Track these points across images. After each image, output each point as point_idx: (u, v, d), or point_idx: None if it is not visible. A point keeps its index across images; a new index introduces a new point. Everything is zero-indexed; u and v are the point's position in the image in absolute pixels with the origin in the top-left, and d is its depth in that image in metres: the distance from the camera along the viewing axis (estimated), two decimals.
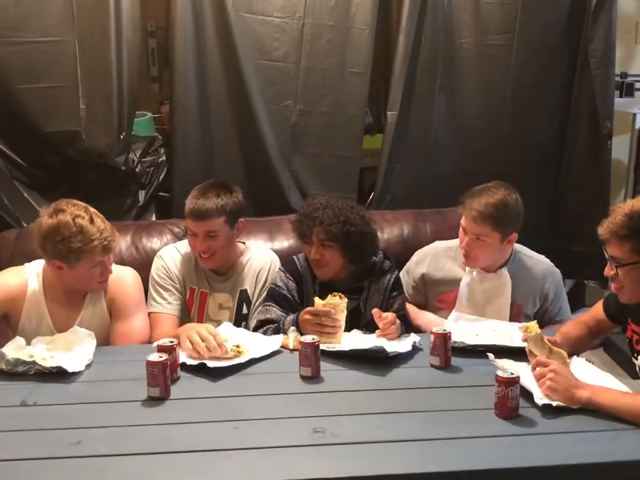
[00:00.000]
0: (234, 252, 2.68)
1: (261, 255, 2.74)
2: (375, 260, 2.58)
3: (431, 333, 2.15)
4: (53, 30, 3.17)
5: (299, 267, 2.60)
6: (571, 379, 1.86)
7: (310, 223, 2.47)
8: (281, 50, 3.37)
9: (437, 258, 2.71)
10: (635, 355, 2.06)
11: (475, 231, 2.48)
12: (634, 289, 1.96)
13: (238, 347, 2.20)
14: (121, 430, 1.78)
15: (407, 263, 2.77)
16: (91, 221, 2.24)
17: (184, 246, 2.70)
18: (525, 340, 2.05)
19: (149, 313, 2.55)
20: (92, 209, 2.30)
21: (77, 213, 2.24)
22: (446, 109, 3.59)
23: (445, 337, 2.13)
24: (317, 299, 2.34)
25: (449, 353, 2.14)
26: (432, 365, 2.15)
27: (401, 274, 2.71)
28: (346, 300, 2.31)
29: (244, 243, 2.78)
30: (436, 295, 2.67)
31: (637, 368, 2.09)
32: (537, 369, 1.91)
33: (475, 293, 2.58)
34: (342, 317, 2.30)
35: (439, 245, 2.77)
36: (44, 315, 2.37)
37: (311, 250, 2.49)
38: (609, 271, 1.99)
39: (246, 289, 2.66)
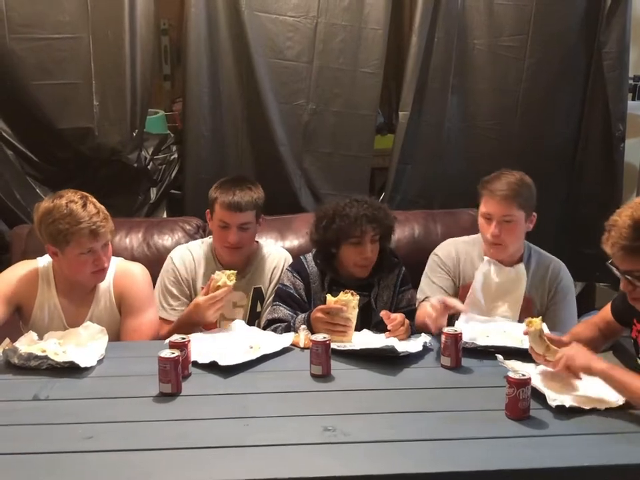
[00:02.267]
0: (252, 247, 2.71)
1: (274, 253, 2.76)
2: (383, 255, 2.58)
3: (442, 333, 2.15)
4: (68, 27, 3.20)
5: (307, 266, 2.60)
6: (588, 354, 1.90)
7: (363, 222, 2.43)
8: (294, 49, 3.38)
9: (461, 250, 2.69)
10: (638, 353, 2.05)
11: (503, 212, 2.48)
12: None
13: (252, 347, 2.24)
14: (132, 425, 1.79)
15: (434, 251, 2.73)
16: (84, 205, 2.26)
17: (196, 246, 2.71)
18: (525, 333, 2.05)
19: None
20: (91, 198, 2.31)
21: (72, 198, 2.27)
22: (458, 109, 3.59)
23: (456, 338, 2.13)
24: (329, 296, 2.34)
25: (459, 353, 2.14)
26: (443, 366, 2.15)
27: (430, 257, 2.71)
28: (357, 297, 2.31)
29: (257, 241, 2.79)
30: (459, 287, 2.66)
31: None
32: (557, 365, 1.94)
33: (490, 284, 2.58)
34: (354, 314, 2.30)
35: (458, 239, 2.76)
36: (56, 308, 2.38)
37: (360, 251, 2.45)
38: (626, 286, 1.91)
39: (260, 287, 2.68)
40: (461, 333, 2.15)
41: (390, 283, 2.59)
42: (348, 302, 2.28)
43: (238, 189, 2.56)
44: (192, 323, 2.41)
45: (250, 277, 2.69)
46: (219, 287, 2.35)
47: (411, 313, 2.47)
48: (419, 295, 2.65)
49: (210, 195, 2.62)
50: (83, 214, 2.25)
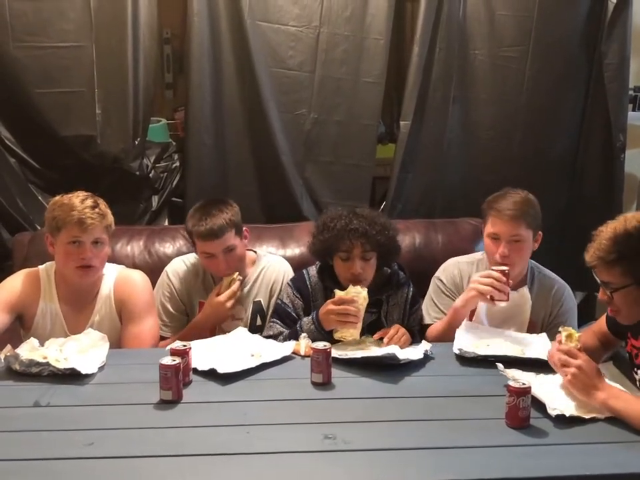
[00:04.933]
0: (246, 261, 2.69)
1: (274, 265, 2.72)
2: (390, 271, 2.56)
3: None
4: (71, 35, 3.21)
5: (309, 282, 2.55)
6: (592, 379, 1.87)
7: (351, 236, 2.37)
8: (296, 58, 3.39)
9: (464, 272, 2.65)
10: (635, 369, 2.06)
11: (512, 232, 2.45)
12: (631, 311, 1.96)
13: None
14: (133, 432, 1.79)
15: (436, 274, 2.70)
16: (84, 200, 2.33)
17: (192, 257, 2.70)
18: (559, 341, 2.02)
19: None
20: (99, 199, 2.38)
21: (80, 194, 2.36)
22: (459, 119, 3.59)
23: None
24: (337, 291, 2.32)
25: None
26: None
27: (434, 281, 2.67)
28: (366, 289, 2.30)
29: (255, 252, 2.78)
30: None
31: (637, 382, 2.08)
32: (563, 355, 1.93)
33: (494, 309, 2.52)
34: (364, 305, 2.29)
35: (460, 259, 2.72)
36: (57, 315, 2.40)
37: (349, 266, 2.40)
38: (602, 295, 1.98)
39: (260, 301, 2.65)
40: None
41: (400, 300, 2.55)
42: (358, 293, 2.28)
43: (207, 216, 2.49)
44: (208, 325, 2.48)
45: (249, 290, 2.66)
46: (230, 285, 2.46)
47: (420, 331, 2.47)
48: (426, 317, 2.62)
49: (186, 229, 2.59)
50: (78, 204, 2.30)
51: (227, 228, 2.49)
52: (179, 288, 2.63)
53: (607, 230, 1.92)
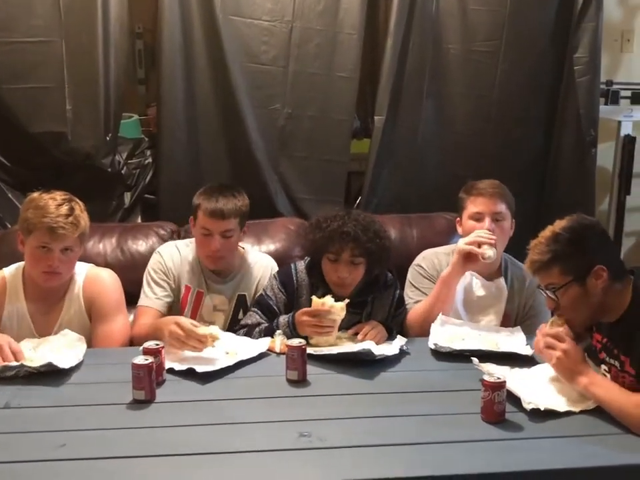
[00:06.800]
0: (236, 255, 2.68)
1: (261, 262, 2.71)
2: (377, 272, 2.50)
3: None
4: (40, 30, 3.16)
5: (295, 278, 2.50)
6: (577, 364, 1.90)
7: (341, 239, 2.32)
8: (269, 53, 3.37)
9: (442, 261, 2.64)
10: (599, 364, 2.07)
11: (496, 209, 2.50)
12: (577, 311, 1.97)
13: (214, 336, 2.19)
14: (105, 433, 1.77)
15: (415, 262, 2.69)
16: (60, 205, 2.27)
17: (183, 245, 2.69)
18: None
19: (137, 307, 2.56)
20: (77, 204, 2.33)
21: (57, 196, 2.31)
22: (433, 114, 3.60)
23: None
24: (314, 298, 2.30)
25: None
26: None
27: (412, 268, 2.67)
28: (347, 300, 2.28)
29: (242, 247, 2.76)
30: None
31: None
32: (550, 339, 1.94)
33: (472, 298, 2.56)
34: (341, 315, 2.27)
35: (437, 250, 2.72)
36: (24, 317, 2.35)
37: (336, 268, 2.36)
38: (549, 303, 2.01)
39: (245, 295, 2.64)
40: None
41: (385, 302, 2.51)
42: (335, 306, 2.26)
43: (221, 195, 2.51)
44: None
45: (235, 283, 2.64)
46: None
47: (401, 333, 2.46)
48: (408, 301, 2.60)
49: (193, 202, 2.57)
50: (52, 210, 2.25)
51: (234, 214, 2.51)
52: (170, 266, 2.61)
53: (538, 238, 1.98)
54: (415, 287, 2.63)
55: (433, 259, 2.67)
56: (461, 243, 2.47)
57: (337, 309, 2.26)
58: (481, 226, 2.49)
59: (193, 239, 2.70)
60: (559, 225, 1.99)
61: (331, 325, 2.27)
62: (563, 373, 1.93)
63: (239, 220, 2.54)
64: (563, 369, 1.92)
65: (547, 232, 1.98)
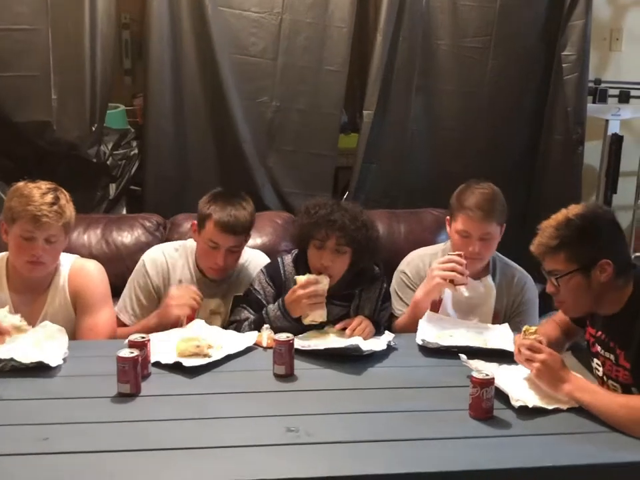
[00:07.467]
0: None
1: (255, 260, 2.65)
2: (364, 264, 2.49)
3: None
4: (25, 18, 3.12)
5: (283, 271, 2.48)
6: (558, 372, 1.88)
7: (328, 226, 2.31)
8: (258, 45, 3.34)
9: (428, 264, 2.61)
10: (592, 357, 2.07)
11: (483, 231, 2.44)
12: (576, 300, 1.97)
13: (210, 346, 2.16)
14: (89, 427, 1.74)
15: (400, 267, 2.69)
16: (45, 193, 2.25)
17: (171, 250, 2.61)
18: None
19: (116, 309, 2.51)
20: (62, 193, 2.30)
21: (42, 185, 2.28)
22: (422, 109, 3.59)
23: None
24: (298, 277, 2.31)
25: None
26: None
27: (398, 275, 2.66)
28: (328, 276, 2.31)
29: None
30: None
31: (594, 370, 2.10)
32: (527, 351, 1.92)
33: (460, 299, 2.54)
34: (326, 286, 2.29)
35: (423, 251, 2.71)
36: (7, 306, 2.31)
37: (321, 255, 2.33)
38: (550, 287, 1.99)
39: (240, 295, 2.56)
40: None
41: (372, 295, 2.49)
42: (319, 277, 2.29)
43: (234, 208, 2.42)
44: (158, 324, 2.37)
45: (230, 285, 2.58)
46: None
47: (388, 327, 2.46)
48: (395, 310, 2.60)
49: (201, 209, 2.48)
50: (37, 198, 2.22)
51: (246, 229, 2.47)
52: (154, 280, 2.54)
53: (550, 220, 1.96)
54: (399, 296, 2.63)
55: (418, 263, 2.66)
56: (435, 267, 2.43)
57: (322, 277, 2.28)
58: (468, 243, 2.45)
59: (182, 243, 2.65)
60: (573, 210, 1.95)
61: (322, 294, 2.27)
62: (545, 384, 1.89)
63: (245, 236, 2.50)
64: (544, 379, 1.89)
65: (559, 215, 1.94)
